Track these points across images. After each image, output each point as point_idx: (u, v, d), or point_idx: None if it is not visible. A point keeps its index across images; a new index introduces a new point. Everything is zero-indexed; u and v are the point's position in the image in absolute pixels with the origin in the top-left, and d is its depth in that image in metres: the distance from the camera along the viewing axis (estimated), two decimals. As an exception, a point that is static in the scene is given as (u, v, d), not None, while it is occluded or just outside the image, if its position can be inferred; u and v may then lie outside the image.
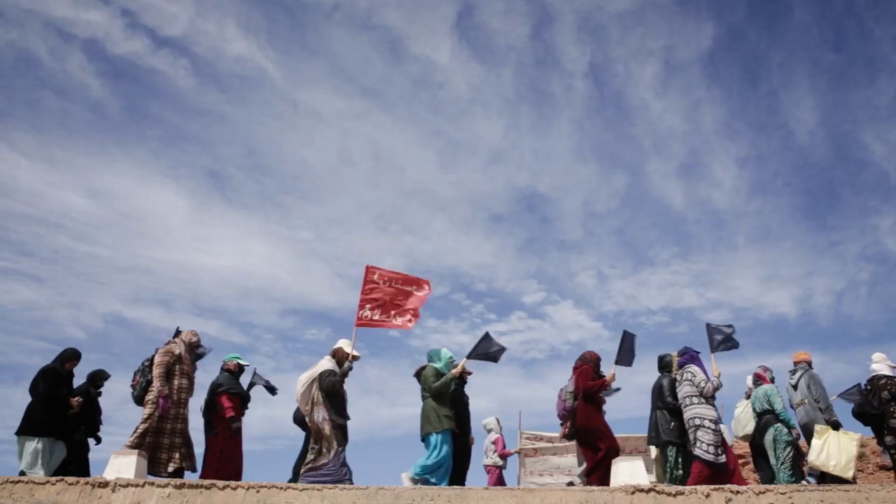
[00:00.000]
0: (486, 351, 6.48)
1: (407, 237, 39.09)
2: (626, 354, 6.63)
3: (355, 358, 6.15)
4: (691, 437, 5.99)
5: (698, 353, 6.50)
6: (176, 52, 33.95)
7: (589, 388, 6.24)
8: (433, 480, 5.71)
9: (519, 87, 38.59)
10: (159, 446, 5.84)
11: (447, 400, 6.13)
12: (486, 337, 6.48)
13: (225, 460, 6.38)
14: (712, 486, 4.97)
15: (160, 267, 34.22)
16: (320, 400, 5.84)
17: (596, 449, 6.08)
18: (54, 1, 28.35)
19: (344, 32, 35.85)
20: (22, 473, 5.82)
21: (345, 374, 5.99)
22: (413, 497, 4.89)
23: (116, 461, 5.17)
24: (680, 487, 4.95)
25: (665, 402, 6.38)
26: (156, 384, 5.90)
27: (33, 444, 5.99)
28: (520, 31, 36.79)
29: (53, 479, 4.88)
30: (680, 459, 6.19)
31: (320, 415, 5.78)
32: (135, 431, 5.77)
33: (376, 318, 6.62)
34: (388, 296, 6.72)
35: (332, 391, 5.86)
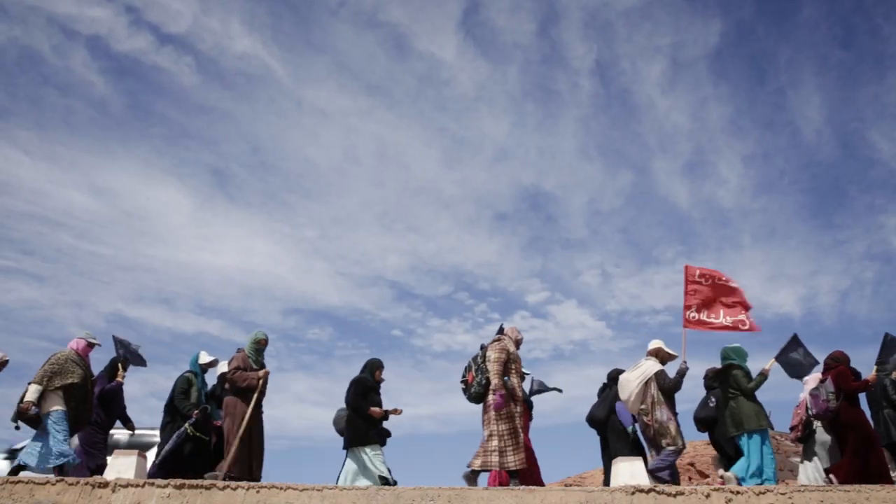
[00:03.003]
0: (794, 358, 6.44)
1: (411, 235, 39.17)
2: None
3: (672, 357, 6.34)
4: None
5: None
6: (180, 49, 34.09)
7: (854, 390, 6.36)
8: (758, 480, 5.73)
9: (525, 84, 38.63)
10: (511, 447, 5.78)
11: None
12: (795, 339, 6.40)
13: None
14: (712, 487, 4.96)
15: (163, 266, 34.35)
16: (661, 399, 6.03)
17: (855, 445, 6.17)
18: None
19: (349, 29, 35.92)
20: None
21: (682, 375, 6.14)
22: (413, 497, 4.89)
23: (116, 461, 5.18)
24: (680, 487, 4.93)
25: (892, 401, 6.50)
26: (494, 379, 5.78)
27: (361, 454, 6.11)
28: (526, 28, 36.81)
29: (53, 479, 4.89)
30: None
31: (664, 413, 5.96)
32: (494, 435, 5.71)
33: (705, 318, 6.62)
34: (713, 294, 6.67)
35: (674, 391, 6.08)
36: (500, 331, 6.29)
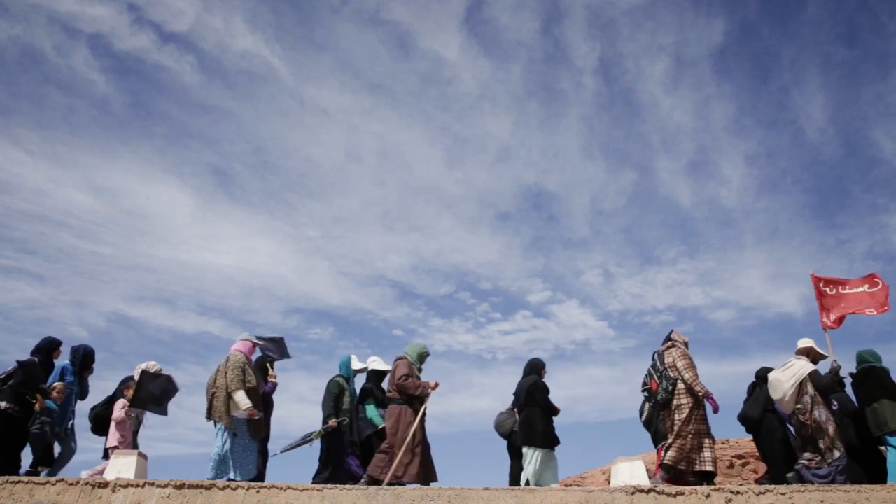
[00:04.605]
0: None
1: (413, 235, 39.12)
2: None
3: (823, 357, 6.51)
4: None
5: None
6: (182, 47, 34.04)
7: None
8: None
9: (528, 83, 38.54)
10: (701, 447, 5.97)
11: None
12: None
13: None
14: (712, 487, 4.95)
15: (164, 265, 34.34)
16: (819, 399, 6.11)
17: None
18: (59, -1, 28.43)
19: (352, 28, 35.87)
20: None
21: (836, 374, 6.26)
22: (413, 497, 4.89)
23: (116, 461, 5.17)
24: (680, 487, 4.93)
25: None
26: (697, 387, 6.03)
27: (538, 454, 6.42)
28: (529, 26, 36.73)
29: (53, 479, 4.89)
30: None
31: (822, 414, 6.04)
32: (678, 435, 5.93)
33: (839, 315, 7.02)
34: (844, 297, 7.12)
35: (830, 390, 6.22)
36: (669, 337, 6.54)
